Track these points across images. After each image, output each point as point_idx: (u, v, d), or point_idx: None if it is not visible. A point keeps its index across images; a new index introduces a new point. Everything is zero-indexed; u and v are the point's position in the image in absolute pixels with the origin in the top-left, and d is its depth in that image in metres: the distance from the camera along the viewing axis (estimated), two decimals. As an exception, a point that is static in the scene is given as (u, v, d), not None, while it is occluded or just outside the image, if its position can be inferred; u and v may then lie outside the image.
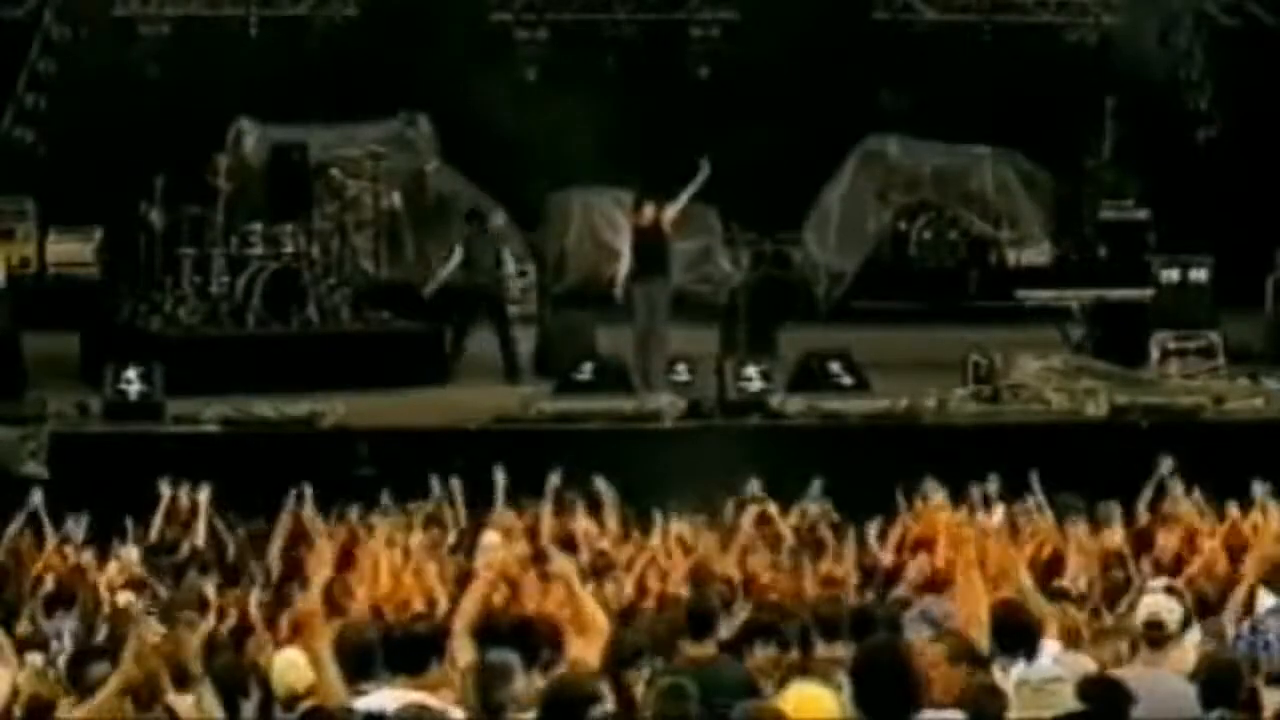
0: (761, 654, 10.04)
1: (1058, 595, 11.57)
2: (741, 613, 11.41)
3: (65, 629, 12.03)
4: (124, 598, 12.91)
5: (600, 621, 10.11)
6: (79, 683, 9.64)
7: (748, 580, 13.18)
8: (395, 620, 10.83)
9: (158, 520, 15.71)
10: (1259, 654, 9.96)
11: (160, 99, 25.24)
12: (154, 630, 11.12)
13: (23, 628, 12.36)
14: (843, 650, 9.83)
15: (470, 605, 10.38)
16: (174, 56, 26.18)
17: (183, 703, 9.36)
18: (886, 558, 14.00)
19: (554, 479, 15.70)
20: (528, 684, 8.83)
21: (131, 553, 15.05)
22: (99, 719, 8.19)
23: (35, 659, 10.67)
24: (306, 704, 9.14)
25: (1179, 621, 10.05)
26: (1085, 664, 9.48)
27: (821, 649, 10.00)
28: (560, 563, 11.11)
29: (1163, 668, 9.44)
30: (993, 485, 15.81)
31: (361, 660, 9.41)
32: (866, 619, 10.64)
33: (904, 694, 7.83)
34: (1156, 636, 9.90)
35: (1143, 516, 15.56)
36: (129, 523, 16.13)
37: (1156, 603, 10.26)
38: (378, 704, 8.54)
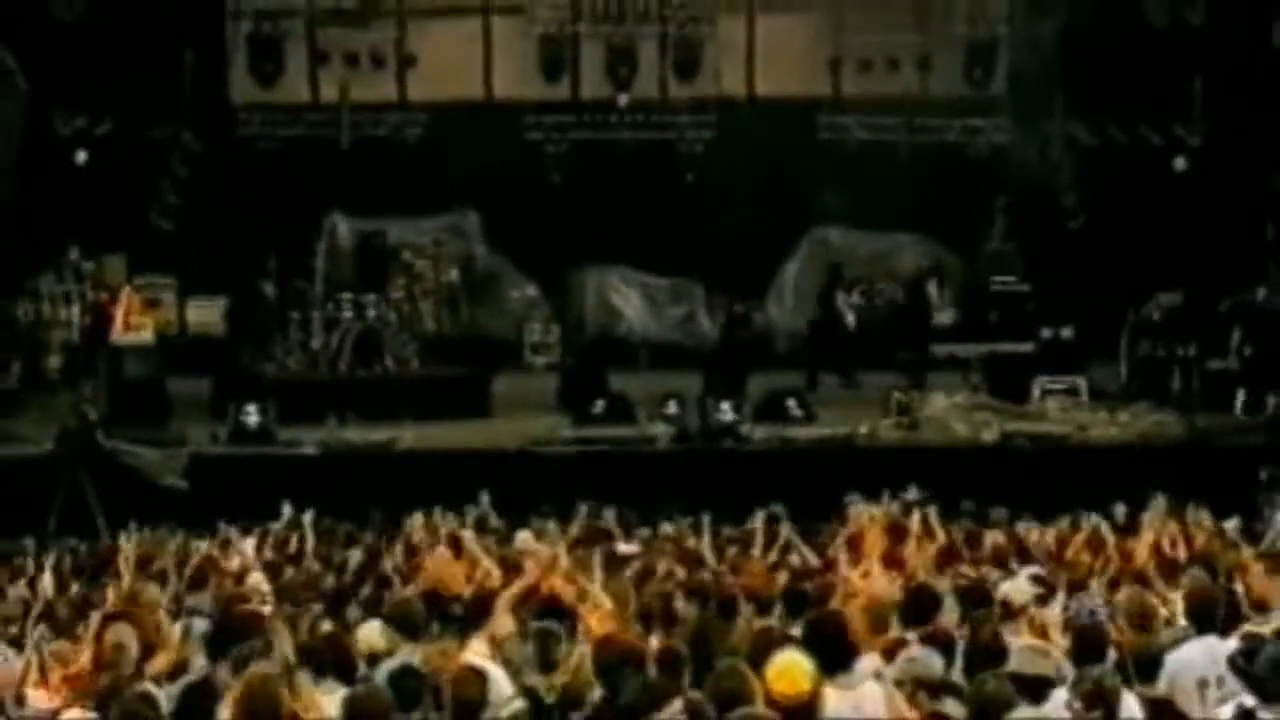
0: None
1: (954, 579, 11.57)
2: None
3: (202, 604, 11.97)
4: (253, 579, 12.91)
5: (603, 601, 10.17)
6: (217, 657, 9.34)
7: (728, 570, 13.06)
8: (441, 598, 10.83)
9: (278, 526, 15.68)
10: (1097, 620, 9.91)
11: (272, 198, 25.31)
12: (275, 608, 11.14)
13: (166, 603, 12.33)
14: (774, 621, 9.87)
15: (513, 589, 10.48)
16: (283, 165, 26.24)
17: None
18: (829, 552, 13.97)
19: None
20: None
21: (248, 545, 15.06)
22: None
23: (178, 627, 10.56)
24: (388, 663, 9.18)
25: (1028, 600, 10.03)
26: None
27: (756, 621, 9.98)
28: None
29: (1018, 637, 9.37)
30: (911, 494, 15.79)
31: (411, 625, 9.53)
32: (798, 595, 10.67)
33: (843, 649, 7.93)
34: (1008, 611, 9.91)
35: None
36: (251, 523, 16.19)
37: (1010, 586, 10.28)
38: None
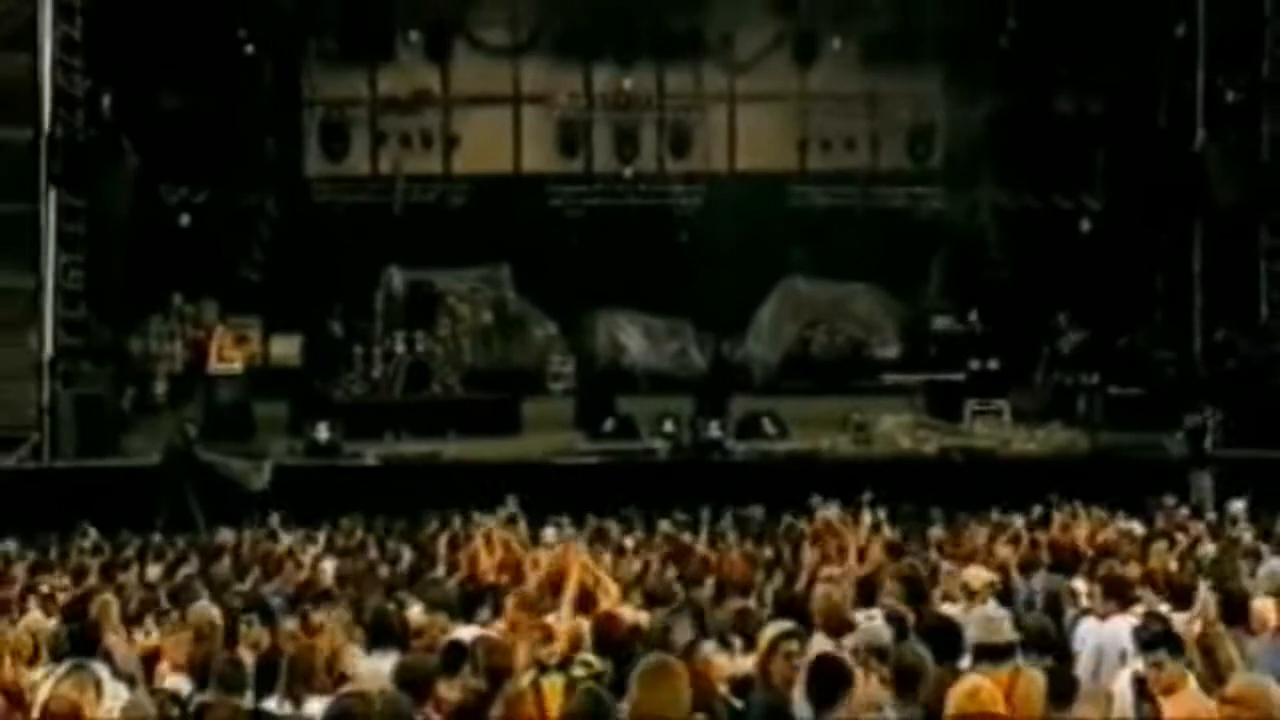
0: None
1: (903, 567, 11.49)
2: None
3: (271, 591, 11.88)
4: (328, 565, 12.84)
5: (612, 587, 10.07)
6: (308, 629, 9.24)
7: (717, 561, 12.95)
8: (473, 586, 10.75)
9: (344, 524, 15.62)
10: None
11: (339, 254, 25.37)
12: (339, 592, 11.04)
13: (246, 589, 12.23)
14: (751, 602, 9.83)
15: (533, 579, 10.38)
16: (349, 227, 26.33)
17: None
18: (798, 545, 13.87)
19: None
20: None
21: (319, 539, 15.01)
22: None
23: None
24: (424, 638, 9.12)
25: (983, 584, 9.99)
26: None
27: (737, 601, 9.94)
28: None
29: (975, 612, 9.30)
30: (866, 497, 15.69)
31: (449, 608, 9.48)
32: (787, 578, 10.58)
33: (808, 623, 7.94)
34: (971, 592, 9.87)
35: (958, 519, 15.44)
36: (322, 521, 16.16)
37: (968, 573, 10.23)
38: (464, 635, 8.54)
